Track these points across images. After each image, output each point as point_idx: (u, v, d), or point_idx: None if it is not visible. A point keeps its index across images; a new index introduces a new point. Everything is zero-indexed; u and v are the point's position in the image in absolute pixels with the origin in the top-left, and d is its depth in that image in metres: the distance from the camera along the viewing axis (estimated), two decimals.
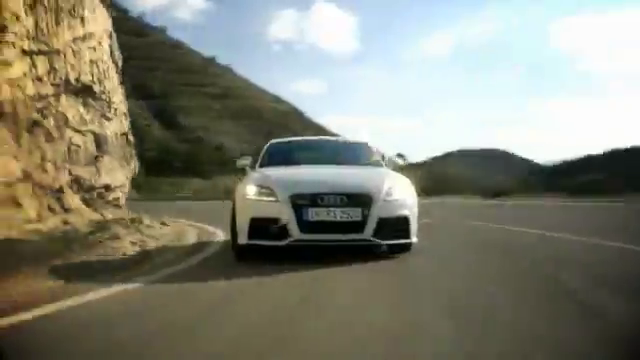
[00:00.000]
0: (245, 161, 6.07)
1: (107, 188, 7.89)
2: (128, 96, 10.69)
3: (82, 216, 6.89)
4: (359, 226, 4.52)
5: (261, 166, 5.78)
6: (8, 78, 5.83)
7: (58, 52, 7.31)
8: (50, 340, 2.31)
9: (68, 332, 2.38)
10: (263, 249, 4.59)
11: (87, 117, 7.71)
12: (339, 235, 4.54)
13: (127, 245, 6.12)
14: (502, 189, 30.87)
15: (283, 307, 2.79)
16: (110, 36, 8.82)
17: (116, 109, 8.49)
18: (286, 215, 4.46)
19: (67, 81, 7.41)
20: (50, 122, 6.74)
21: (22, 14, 6.75)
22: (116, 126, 8.33)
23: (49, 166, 6.04)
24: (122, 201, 8.60)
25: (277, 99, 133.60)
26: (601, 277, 3.57)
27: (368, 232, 4.51)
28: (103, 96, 8.07)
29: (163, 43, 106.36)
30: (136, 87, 70.19)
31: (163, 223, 8.77)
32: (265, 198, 4.66)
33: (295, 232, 4.45)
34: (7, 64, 6.26)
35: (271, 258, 4.55)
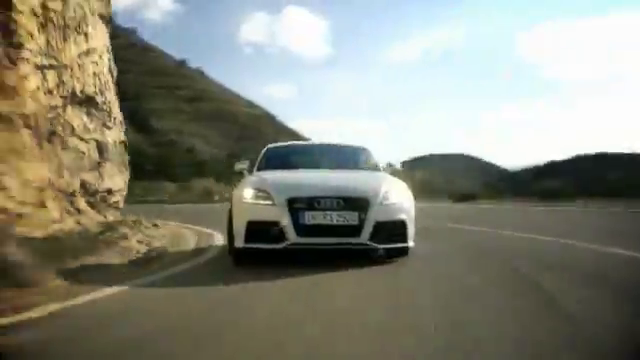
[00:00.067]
0: (243, 165, 6.18)
1: (109, 192, 8.51)
2: None
3: (90, 218, 7.51)
4: (356, 230, 4.51)
5: (258, 170, 5.86)
6: (29, 91, 6.44)
7: (65, 66, 7.90)
8: (129, 301, 3.11)
9: (147, 296, 3.32)
10: (260, 253, 4.64)
11: (90, 126, 8.32)
12: (336, 239, 4.53)
13: (135, 244, 6.82)
14: (471, 193, 31.97)
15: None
16: (108, 50, 9.44)
17: (115, 118, 9.11)
18: (283, 218, 4.46)
19: (73, 93, 8.02)
20: (62, 131, 7.36)
21: (35, 32, 7.35)
22: (115, 134, 8.95)
23: (65, 172, 6.66)
24: (121, 204, 9.21)
25: (249, 103, 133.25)
26: (539, 261, 4.69)
27: (365, 236, 4.51)
28: (104, 106, 8.69)
29: (134, 45, 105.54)
30: None
31: (155, 225, 9.42)
32: (262, 201, 4.65)
33: (292, 235, 4.44)
34: (24, 78, 6.87)
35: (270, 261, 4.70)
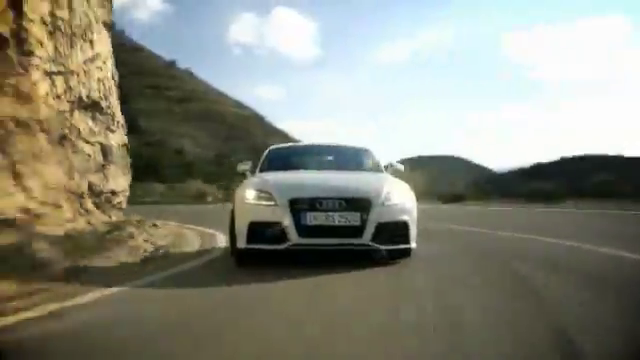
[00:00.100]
0: (245, 166, 6.14)
1: (113, 193, 8.82)
2: None
3: (97, 218, 7.83)
4: (358, 231, 4.52)
5: (261, 171, 5.86)
6: (41, 97, 6.76)
7: (72, 72, 8.21)
8: (160, 286, 3.51)
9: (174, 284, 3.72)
10: (262, 254, 4.64)
11: (95, 130, 8.64)
12: (337, 239, 4.53)
13: (142, 243, 7.15)
14: (459, 194, 32.48)
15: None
16: (111, 56, 9.76)
17: (118, 122, 9.43)
18: (285, 219, 4.46)
19: (80, 98, 8.33)
20: (69, 135, 7.67)
21: (45, 40, 7.66)
22: (119, 138, 9.26)
23: (75, 174, 6.98)
24: (124, 205, 9.52)
25: (238, 103, 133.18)
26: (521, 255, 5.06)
27: (367, 237, 4.52)
28: (108, 111, 9.00)
29: (122, 45, 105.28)
30: None
31: (155, 225, 9.75)
32: (264, 202, 4.65)
33: (293, 236, 4.44)
34: (35, 85, 7.17)
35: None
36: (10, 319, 2.74)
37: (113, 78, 9.81)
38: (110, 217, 8.50)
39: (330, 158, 6.62)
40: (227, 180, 41.86)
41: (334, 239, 4.50)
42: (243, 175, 6.08)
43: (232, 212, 4.99)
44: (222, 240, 7.53)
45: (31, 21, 7.28)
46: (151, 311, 3.02)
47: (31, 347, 2.35)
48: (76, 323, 2.72)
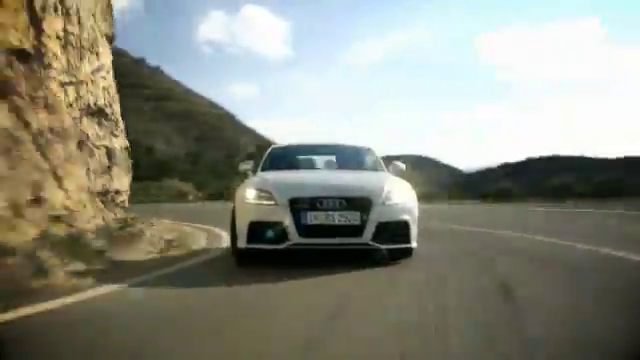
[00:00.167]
0: (247, 166, 6.09)
1: (117, 192, 9.62)
2: None
3: (106, 215, 8.64)
4: (358, 230, 4.47)
5: (262, 170, 5.82)
6: (64, 107, 7.55)
7: (82, 82, 8.98)
8: (192, 274, 4.36)
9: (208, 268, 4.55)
10: (263, 253, 4.62)
11: (101, 134, 9.43)
12: (338, 239, 4.49)
13: (153, 237, 7.99)
14: (430, 195, 33.78)
15: None
16: (112, 66, 10.54)
17: (120, 127, 10.22)
18: (285, 219, 4.43)
19: (88, 106, 9.11)
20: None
21: (59, 53, 8.42)
22: (121, 141, 10.06)
23: (91, 175, 7.79)
24: (126, 203, 10.31)
25: (209, 102, 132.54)
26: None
27: (367, 236, 4.47)
28: (112, 117, 9.80)
29: None
30: None
31: (151, 224, 10.58)
32: (264, 202, 4.60)
33: (294, 236, 4.40)
34: (53, 94, 7.95)
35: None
36: (116, 287, 3.66)
37: (115, 87, 10.58)
38: (115, 215, 9.30)
39: (331, 157, 6.58)
40: (203, 178, 42.39)
41: (334, 239, 4.48)
42: (245, 175, 6.01)
43: (233, 212, 4.98)
44: (223, 235, 8.44)
45: (48, 37, 8.04)
46: (201, 284, 3.96)
47: (141, 301, 3.28)
48: (160, 291, 3.66)
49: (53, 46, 8.25)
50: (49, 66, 8.02)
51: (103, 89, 9.58)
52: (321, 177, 5.34)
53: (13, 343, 2.34)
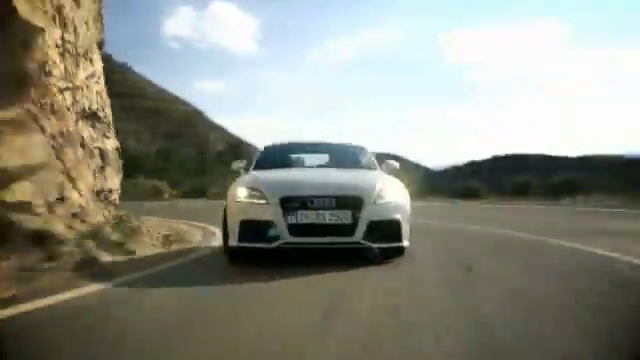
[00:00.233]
0: (240, 164, 6.10)
1: (110, 191, 10.24)
2: None
3: (103, 212, 9.28)
4: (349, 229, 4.44)
5: (255, 169, 5.81)
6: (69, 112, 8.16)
7: (78, 87, 9.56)
8: (195, 268, 5.12)
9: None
10: (255, 252, 4.64)
11: (95, 136, 10.04)
12: (329, 238, 4.47)
13: (150, 232, 8.67)
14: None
15: None
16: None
17: (111, 129, 10.83)
18: (276, 218, 4.42)
19: (83, 109, 9.70)
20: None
21: (57, 61, 9.01)
22: (113, 143, 10.67)
23: (95, 175, 8.43)
24: (117, 201, 10.92)
25: (178, 99, 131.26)
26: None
27: (358, 235, 4.45)
28: (105, 120, 10.41)
29: None
30: None
31: (141, 221, 11.22)
32: (255, 201, 4.60)
33: (285, 235, 4.40)
34: (57, 101, 8.54)
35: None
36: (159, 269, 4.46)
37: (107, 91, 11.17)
38: (109, 212, 9.94)
39: (324, 156, 6.60)
40: (176, 176, 42.58)
41: (325, 237, 4.46)
42: (237, 173, 6.03)
43: (225, 210, 5.00)
44: (214, 230, 9.16)
45: (49, 46, 8.64)
46: (219, 268, 4.73)
47: (160, 284, 4.05)
48: (186, 274, 4.43)
49: (53, 54, 8.84)
50: (50, 73, 8.61)
51: (96, 93, 10.18)
52: (312, 176, 5.26)
53: (115, 305, 3.23)
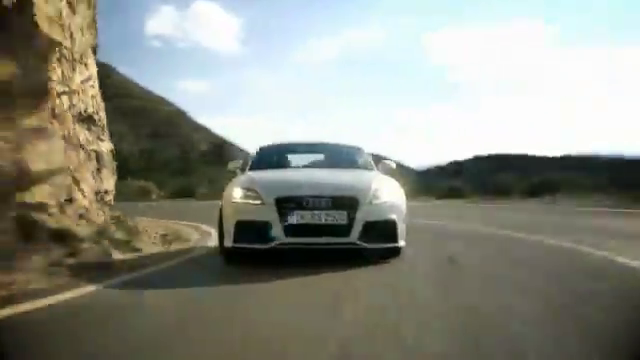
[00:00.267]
0: (236, 164, 6.11)
1: (105, 192, 10.50)
2: None
3: (100, 213, 9.55)
4: (344, 229, 4.45)
5: (251, 169, 5.84)
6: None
7: (74, 91, 9.81)
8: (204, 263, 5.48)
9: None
10: (251, 252, 4.68)
11: (90, 139, 10.30)
12: (324, 238, 4.48)
13: (147, 231, 8.99)
14: None
15: None
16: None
17: (105, 132, 11.09)
18: (271, 218, 4.43)
19: (79, 113, 9.95)
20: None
21: (56, 66, 9.25)
22: (107, 145, 10.94)
23: (91, 177, 8.71)
24: (112, 202, 11.19)
25: (161, 99, 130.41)
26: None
27: (354, 235, 4.45)
28: (99, 123, 10.67)
29: None
30: None
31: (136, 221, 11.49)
32: (251, 201, 4.61)
33: (280, 235, 4.42)
34: (57, 104, 8.80)
35: None
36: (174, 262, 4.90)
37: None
38: (104, 212, 10.21)
39: (321, 156, 6.62)
40: (161, 176, 42.57)
41: (321, 238, 4.48)
42: (234, 173, 6.06)
43: (220, 211, 5.05)
44: (208, 230, 9.49)
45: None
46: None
47: (171, 276, 4.40)
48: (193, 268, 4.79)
49: (52, 58, 9.09)
50: (49, 78, 8.87)
51: (92, 97, 10.43)
52: (308, 176, 5.24)
53: (152, 291, 3.76)
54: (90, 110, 10.30)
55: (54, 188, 5.68)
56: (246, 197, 4.68)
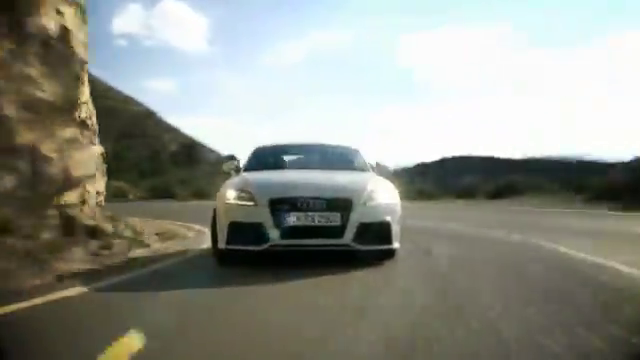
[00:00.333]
0: (231, 165, 6.07)
1: (97, 193, 11.14)
2: None
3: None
4: (338, 231, 4.40)
5: (246, 170, 5.78)
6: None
7: (85, 103, 10.42)
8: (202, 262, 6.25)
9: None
10: (244, 254, 4.66)
11: (83, 142, 10.93)
12: (318, 240, 4.44)
13: (144, 229, 9.66)
14: None
15: None
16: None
17: (97, 136, 11.72)
18: (265, 220, 4.39)
19: (74, 118, 10.56)
20: None
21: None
22: (98, 149, 11.59)
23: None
24: (103, 203, 11.80)
25: (130, 99, 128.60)
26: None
27: (348, 237, 4.41)
28: (92, 127, 11.30)
29: None
30: None
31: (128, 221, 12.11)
32: (244, 202, 4.58)
33: (274, 237, 4.37)
34: None
35: None
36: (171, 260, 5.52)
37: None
38: (96, 212, 10.84)
39: (316, 157, 6.58)
40: (132, 177, 42.65)
41: (314, 239, 4.46)
42: (228, 174, 6.00)
43: (214, 212, 5.02)
44: (198, 228, 10.18)
45: None
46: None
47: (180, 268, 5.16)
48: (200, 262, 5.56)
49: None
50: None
51: (85, 104, 11.05)
52: (302, 177, 5.19)
53: (193, 270, 4.68)
54: (83, 116, 10.90)
55: (83, 190, 6.37)
56: (240, 198, 4.66)
